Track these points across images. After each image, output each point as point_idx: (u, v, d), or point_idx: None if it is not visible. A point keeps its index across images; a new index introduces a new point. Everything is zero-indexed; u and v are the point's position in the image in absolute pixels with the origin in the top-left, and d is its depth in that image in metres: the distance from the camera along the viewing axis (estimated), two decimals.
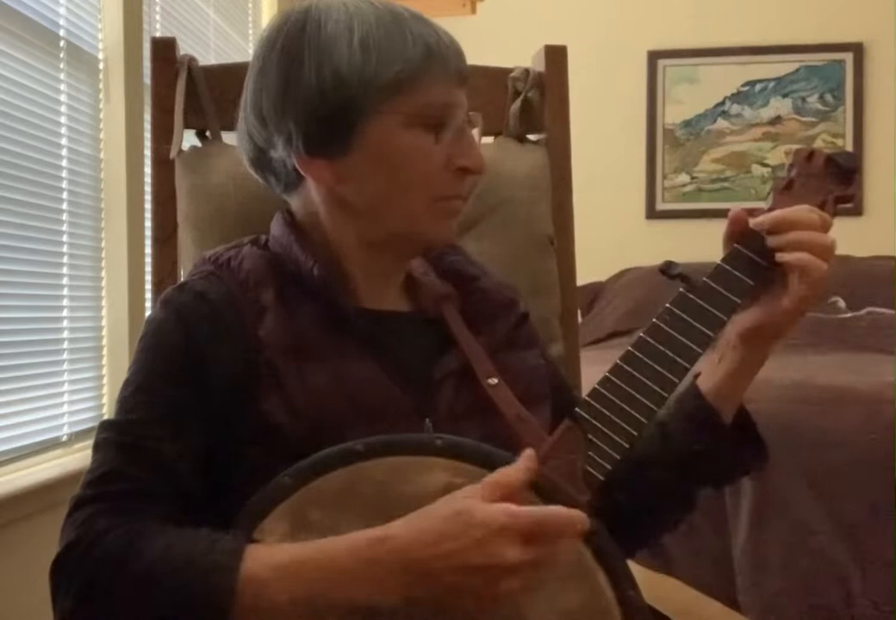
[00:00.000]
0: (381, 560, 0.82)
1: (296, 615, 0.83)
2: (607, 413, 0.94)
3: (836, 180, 1.06)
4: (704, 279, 1.00)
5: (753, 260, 0.99)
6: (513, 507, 0.83)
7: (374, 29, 0.99)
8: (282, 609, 0.82)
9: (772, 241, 0.98)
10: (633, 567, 0.95)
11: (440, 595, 0.82)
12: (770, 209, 1.03)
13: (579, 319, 2.65)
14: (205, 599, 0.82)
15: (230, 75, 1.09)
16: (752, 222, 1.00)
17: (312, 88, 0.99)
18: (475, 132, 1.06)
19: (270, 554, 0.85)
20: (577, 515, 0.84)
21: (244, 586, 0.82)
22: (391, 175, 1.01)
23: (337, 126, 0.99)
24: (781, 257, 0.97)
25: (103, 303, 2.25)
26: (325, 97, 0.99)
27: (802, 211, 1.00)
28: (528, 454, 0.88)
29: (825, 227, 1.00)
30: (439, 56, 0.99)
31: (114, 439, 0.94)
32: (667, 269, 1.01)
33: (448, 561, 0.81)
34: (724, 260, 1.01)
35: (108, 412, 2.21)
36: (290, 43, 1.01)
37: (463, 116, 1.03)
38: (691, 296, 0.99)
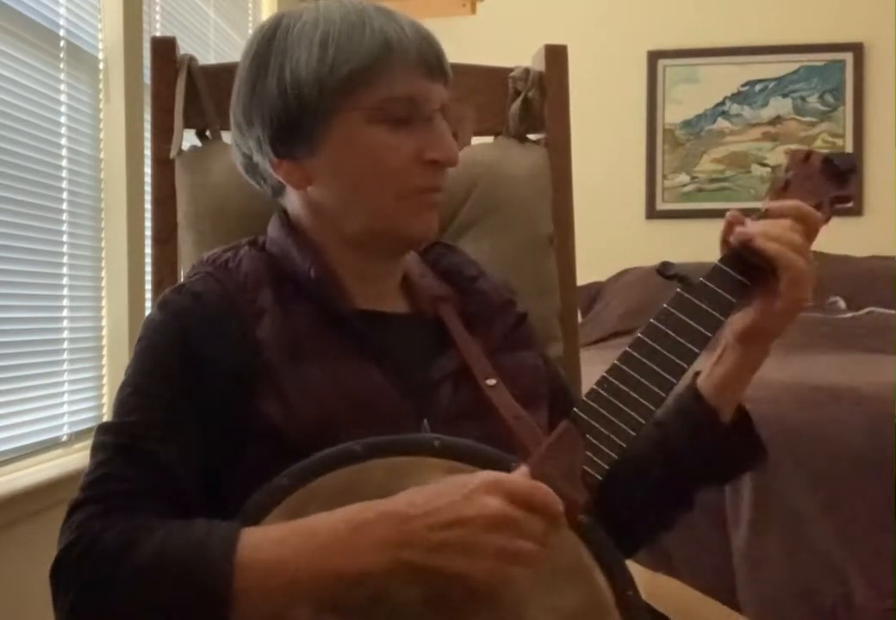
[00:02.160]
0: (371, 522, 0.83)
1: (292, 590, 0.83)
2: (605, 413, 0.94)
3: (833, 181, 1.07)
4: (701, 279, 1.00)
5: (749, 260, 0.99)
6: (502, 473, 0.86)
7: (336, 27, 0.99)
8: (279, 584, 0.83)
9: (741, 231, 0.99)
10: (633, 566, 0.95)
11: (427, 556, 0.82)
12: (766, 210, 1.04)
13: (579, 319, 2.65)
14: (203, 583, 0.82)
15: (230, 75, 1.09)
16: (738, 231, 1.00)
17: (273, 92, 1.00)
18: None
19: (265, 533, 0.85)
20: (555, 498, 0.85)
21: (242, 569, 0.82)
22: (356, 172, 1.00)
23: (299, 127, 1.00)
24: (762, 245, 0.97)
25: (103, 303, 2.25)
26: (285, 99, 0.99)
27: (784, 213, 1.01)
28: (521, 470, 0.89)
29: (811, 225, 1.01)
30: (399, 48, 0.98)
31: (111, 442, 0.94)
32: (663, 270, 1.01)
33: (435, 518, 0.82)
34: (720, 260, 1.01)
35: (107, 412, 2.21)
36: (261, 51, 1.02)
37: (434, 108, 1.01)
38: (688, 296, 0.99)
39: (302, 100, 0.99)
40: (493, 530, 0.82)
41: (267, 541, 0.84)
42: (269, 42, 1.02)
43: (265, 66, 1.01)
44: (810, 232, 1.01)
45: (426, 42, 1.01)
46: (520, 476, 0.87)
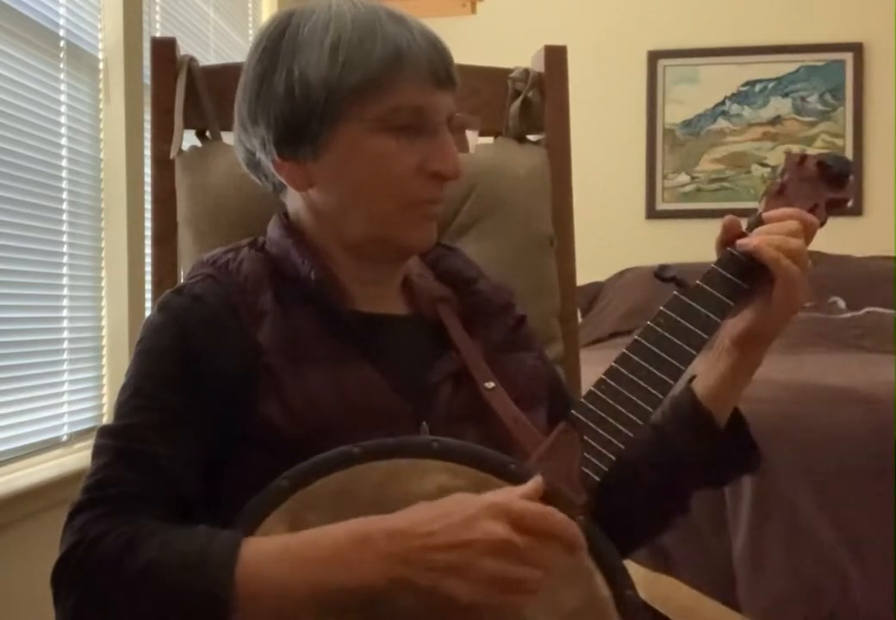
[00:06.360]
0: (374, 537, 0.83)
1: (293, 600, 0.83)
2: (603, 414, 0.94)
3: (829, 184, 1.07)
4: (698, 282, 1.00)
5: (746, 263, 0.99)
6: (508, 494, 0.85)
7: (348, 32, 0.97)
8: (280, 594, 0.83)
9: (743, 242, 0.99)
10: (633, 567, 0.95)
11: (426, 576, 0.81)
12: (762, 213, 1.04)
13: (579, 319, 2.65)
14: (205, 593, 0.82)
15: (230, 75, 1.10)
16: (739, 243, 1.00)
17: (281, 93, 0.99)
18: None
19: (267, 544, 0.85)
20: (571, 524, 0.84)
21: (242, 577, 0.82)
22: (359, 179, 1.00)
23: (305, 130, 0.99)
24: (758, 249, 0.97)
25: (103, 303, 2.25)
26: (293, 102, 0.99)
27: (784, 220, 1.01)
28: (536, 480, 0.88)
29: (808, 232, 1.01)
30: (409, 58, 0.97)
31: (112, 444, 0.93)
32: (660, 273, 1.01)
33: (437, 538, 0.82)
34: (717, 263, 1.01)
35: (108, 412, 2.22)
36: (270, 48, 1.01)
37: (441, 119, 1.01)
38: (685, 298, 0.99)
39: (309, 104, 0.98)
40: (493, 556, 0.81)
41: (268, 551, 0.84)
42: (279, 40, 1.00)
43: (274, 65, 1.00)
44: (806, 236, 1.01)
45: (436, 50, 1.00)
46: (531, 488, 0.87)
